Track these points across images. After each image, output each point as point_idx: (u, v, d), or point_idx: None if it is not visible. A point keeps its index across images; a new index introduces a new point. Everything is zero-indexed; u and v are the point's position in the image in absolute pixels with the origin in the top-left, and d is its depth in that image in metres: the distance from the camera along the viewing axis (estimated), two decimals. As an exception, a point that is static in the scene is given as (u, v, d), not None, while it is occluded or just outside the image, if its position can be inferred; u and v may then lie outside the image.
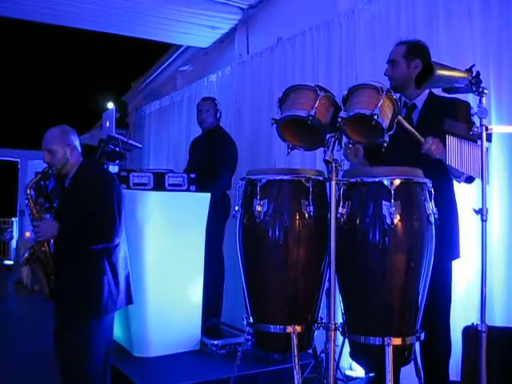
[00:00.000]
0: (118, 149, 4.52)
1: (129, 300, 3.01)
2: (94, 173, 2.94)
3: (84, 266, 2.79)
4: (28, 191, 2.93)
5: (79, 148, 2.97)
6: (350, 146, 2.47)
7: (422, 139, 2.59)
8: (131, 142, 4.78)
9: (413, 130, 2.62)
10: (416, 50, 2.87)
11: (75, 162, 2.93)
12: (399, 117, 2.46)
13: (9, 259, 11.42)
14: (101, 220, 2.76)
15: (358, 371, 3.68)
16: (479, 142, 2.41)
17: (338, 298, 2.42)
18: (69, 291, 2.81)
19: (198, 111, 4.84)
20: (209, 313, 4.35)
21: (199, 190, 4.22)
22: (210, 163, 4.53)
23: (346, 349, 2.52)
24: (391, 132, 2.30)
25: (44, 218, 2.98)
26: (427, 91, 2.88)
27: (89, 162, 3.05)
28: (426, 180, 2.36)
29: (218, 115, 4.75)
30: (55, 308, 2.88)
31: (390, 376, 2.22)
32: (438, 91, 2.87)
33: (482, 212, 2.39)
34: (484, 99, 2.42)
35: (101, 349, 2.83)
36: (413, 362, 2.45)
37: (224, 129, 4.85)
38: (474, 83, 2.41)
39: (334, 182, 2.25)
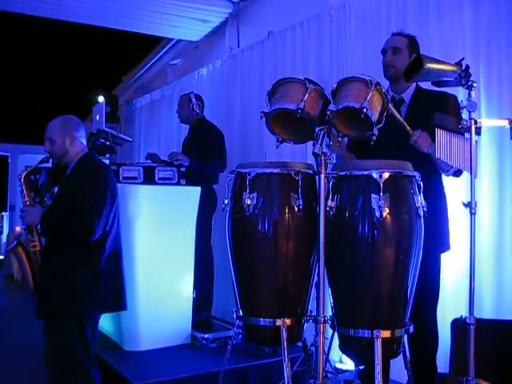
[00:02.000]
0: (108, 143, 4.51)
1: (117, 305, 2.93)
2: (87, 166, 2.91)
3: (63, 263, 2.75)
4: (22, 179, 2.93)
5: (83, 139, 2.96)
6: (340, 139, 2.46)
7: (411, 131, 2.60)
8: (121, 135, 4.77)
9: (403, 121, 2.63)
10: (416, 45, 2.89)
11: (77, 153, 2.91)
12: (391, 107, 2.46)
13: (-1, 254, 11.36)
14: (83, 212, 2.70)
15: (348, 364, 3.70)
16: (467, 135, 2.42)
17: (328, 291, 2.42)
18: (48, 288, 2.79)
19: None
20: (199, 307, 4.35)
21: (190, 183, 4.22)
22: (197, 152, 4.51)
23: (336, 341, 2.53)
24: (380, 125, 2.29)
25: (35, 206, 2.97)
26: (414, 85, 2.88)
27: (90, 155, 3.02)
28: (415, 173, 2.37)
29: (191, 108, 4.79)
30: (36, 302, 2.85)
31: (379, 368, 2.23)
32: (424, 85, 2.88)
33: (470, 205, 2.40)
34: (473, 93, 2.43)
35: (81, 349, 2.76)
36: (402, 354, 2.46)
37: (209, 121, 4.90)
38: (464, 76, 2.42)
39: (323, 176, 2.24)
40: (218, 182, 4.76)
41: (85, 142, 2.99)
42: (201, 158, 4.44)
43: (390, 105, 2.41)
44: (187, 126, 5.01)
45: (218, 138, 4.74)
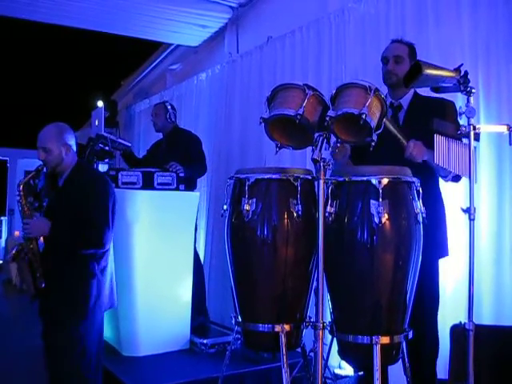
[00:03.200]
0: (107, 148, 4.50)
1: (112, 302, 2.99)
2: (91, 177, 2.93)
3: (73, 268, 2.79)
4: (20, 188, 2.92)
5: (75, 147, 2.96)
6: (339, 145, 2.46)
7: (405, 143, 2.60)
8: (120, 140, 4.77)
9: (396, 132, 2.62)
10: (415, 53, 2.90)
11: (70, 162, 2.91)
12: (385, 119, 2.46)
13: (-3, 258, 11.33)
14: (95, 226, 2.76)
15: (347, 370, 3.69)
16: (466, 140, 2.42)
17: (327, 296, 2.42)
18: (56, 292, 2.80)
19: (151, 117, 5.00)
20: (195, 312, 4.34)
21: (188, 188, 4.22)
22: (181, 160, 4.51)
23: (335, 347, 2.52)
24: (379, 131, 2.30)
25: (34, 216, 2.97)
26: (412, 91, 2.90)
27: (84, 163, 3.05)
28: (414, 179, 2.37)
29: (167, 116, 4.83)
30: (40, 307, 2.87)
31: (378, 374, 2.23)
32: (422, 91, 2.88)
33: (469, 211, 2.39)
34: (472, 98, 2.43)
35: (90, 350, 2.82)
36: (401, 360, 2.45)
37: (182, 127, 4.96)
38: (462, 82, 2.42)
39: (322, 181, 2.24)
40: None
41: (75, 149, 2.98)
42: (186, 164, 4.44)
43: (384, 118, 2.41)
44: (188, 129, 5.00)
45: (198, 143, 4.78)
